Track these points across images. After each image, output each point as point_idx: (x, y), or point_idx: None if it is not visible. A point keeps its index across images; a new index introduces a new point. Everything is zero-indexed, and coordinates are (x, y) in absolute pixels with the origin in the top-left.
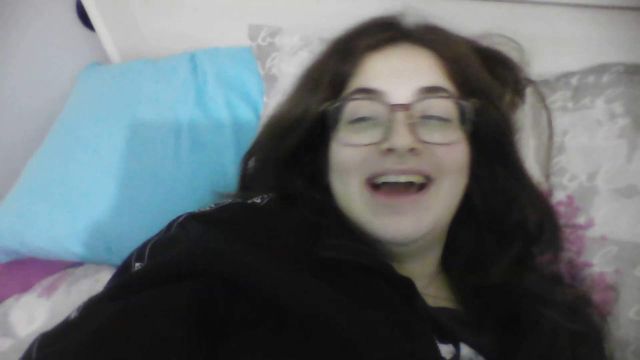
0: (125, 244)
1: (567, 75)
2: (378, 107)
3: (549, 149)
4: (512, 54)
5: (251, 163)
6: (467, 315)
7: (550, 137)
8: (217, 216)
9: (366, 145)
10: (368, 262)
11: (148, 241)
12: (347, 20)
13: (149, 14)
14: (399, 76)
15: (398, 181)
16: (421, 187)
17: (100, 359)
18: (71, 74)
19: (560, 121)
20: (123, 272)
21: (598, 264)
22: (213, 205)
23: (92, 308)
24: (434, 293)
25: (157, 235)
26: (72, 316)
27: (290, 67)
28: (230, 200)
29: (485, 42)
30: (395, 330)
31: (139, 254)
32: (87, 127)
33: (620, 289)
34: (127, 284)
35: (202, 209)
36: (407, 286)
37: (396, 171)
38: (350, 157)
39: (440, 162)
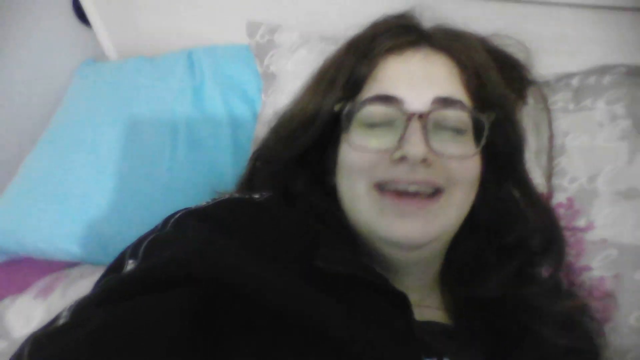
0: (120, 243)
1: (568, 76)
2: (393, 113)
3: (550, 150)
4: (517, 55)
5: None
6: (456, 329)
7: (551, 138)
8: (214, 212)
9: (378, 151)
10: (364, 275)
11: (143, 238)
12: (346, 17)
13: (146, 11)
14: (417, 84)
15: (407, 190)
16: (431, 195)
17: None
18: (67, 70)
19: (561, 122)
20: (116, 268)
21: (597, 267)
22: (210, 201)
23: (83, 312)
24: (427, 305)
25: (152, 231)
26: (63, 316)
27: (289, 65)
28: (227, 196)
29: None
30: (386, 343)
31: (132, 251)
32: (84, 125)
33: (621, 294)
34: (120, 287)
35: (199, 205)
36: (401, 300)
37: (406, 181)
38: (359, 160)
39: (452, 175)
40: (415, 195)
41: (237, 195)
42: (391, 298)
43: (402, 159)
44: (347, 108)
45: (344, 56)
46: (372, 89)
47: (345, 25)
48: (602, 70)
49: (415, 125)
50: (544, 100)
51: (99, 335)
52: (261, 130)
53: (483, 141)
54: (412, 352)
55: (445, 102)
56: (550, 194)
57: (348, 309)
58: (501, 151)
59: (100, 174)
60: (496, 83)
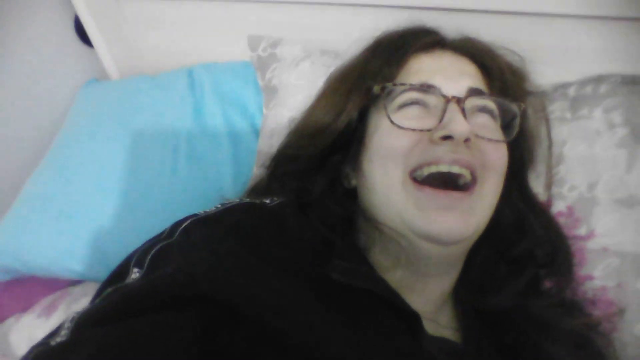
0: None
1: (564, 85)
2: (431, 98)
3: (549, 160)
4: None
5: (262, 170)
6: (465, 347)
7: (550, 147)
8: (223, 219)
9: (419, 130)
10: (378, 290)
11: (150, 246)
12: (348, 32)
13: (147, 30)
14: (451, 75)
15: (450, 171)
16: (464, 187)
17: None
18: (70, 90)
19: (559, 131)
20: (120, 275)
21: (599, 277)
22: (219, 205)
23: (82, 332)
24: (440, 320)
25: (158, 237)
26: (63, 334)
27: (291, 78)
28: (237, 200)
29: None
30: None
31: (138, 259)
32: (86, 143)
33: (624, 305)
34: (121, 303)
35: (208, 211)
36: (413, 320)
37: (449, 160)
38: (398, 141)
39: (487, 160)
40: (451, 188)
41: (247, 200)
42: (404, 316)
43: (444, 138)
44: (387, 88)
45: (369, 56)
46: (407, 81)
47: (346, 39)
48: (598, 79)
49: (455, 107)
50: (542, 109)
51: (103, 357)
52: (263, 144)
53: (517, 128)
54: None
55: (477, 92)
56: (549, 203)
57: (358, 326)
58: (515, 159)
59: (102, 191)
60: (516, 87)
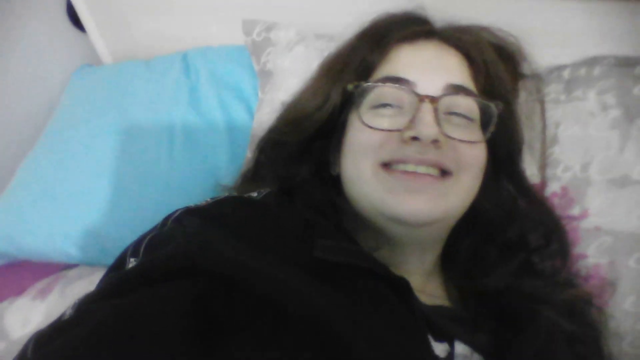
0: (118, 245)
1: (559, 68)
2: (405, 96)
3: (543, 141)
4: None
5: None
6: (462, 313)
7: (544, 129)
8: (213, 211)
9: (388, 130)
10: (364, 264)
11: (143, 237)
12: (343, 15)
13: (140, 15)
14: (429, 70)
15: (416, 171)
16: (439, 176)
17: (97, 358)
18: (62, 75)
19: (553, 113)
20: (117, 267)
21: (593, 255)
22: (209, 200)
23: (87, 306)
24: (430, 291)
25: (152, 230)
26: (67, 314)
27: (286, 62)
28: (226, 194)
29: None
30: (389, 329)
31: (134, 249)
32: (80, 128)
33: (616, 281)
34: (122, 282)
35: (198, 204)
36: (402, 286)
37: (416, 160)
38: (368, 139)
39: (461, 159)
40: (424, 174)
41: (235, 194)
42: (392, 284)
43: (413, 139)
44: (357, 88)
45: (353, 46)
46: (383, 72)
47: (340, 23)
48: (592, 61)
49: (427, 107)
50: (537, 91)
51: (104, 328)
52: (258, 128)
53: (492, 128)
54: (417, 336)
55: (456, 88)
56: (544, 184)
57: (349, 298)
58: (502, 146)
59: (97, 176)
60: (503, 79)
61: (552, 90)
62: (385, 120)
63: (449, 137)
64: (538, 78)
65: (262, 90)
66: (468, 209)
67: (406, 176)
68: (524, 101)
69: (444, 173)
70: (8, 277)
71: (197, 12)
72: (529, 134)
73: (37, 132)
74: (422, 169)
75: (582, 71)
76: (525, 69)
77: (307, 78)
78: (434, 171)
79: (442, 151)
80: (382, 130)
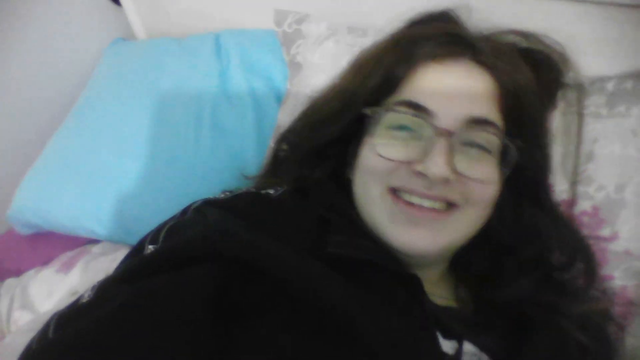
0: (142, 225)
1: (603, 79)
2: (423, 124)
3: (577, 157)
4: (553, 55)
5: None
6: (472, 315)
7: (579, 144)
8: (231, 204)
9: (400, 161)
10: (376, 260)
11: (163, 224)
12: (376, 8)
13: None
14: (452, 99)
15: (422, 205)
16: (444, 209)
17: (116, 340)
18: (97, 48)
19: (592, 128)
20: (136, 253)
21: (620, 277)
22: (228, 193)
23: (107, 290)
24: (440, 293)
25: (172, 219)
26: (87, 296)
27: (315, 57)
28: (244, 190)
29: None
30: (400, 322)
31: (153, 237)
32: (111, 104)
33: None
34: (143, 265)
35: (216, 197)
36: (414, 283)
37: (422, 194)
38: (378, 165)
39: (470, 194)
40: (428, 209)
41: (253, 190)
42: (404, 281)
43: (422, 174)
44: (375, 112)
45: (382, 53)
46: (405, 94)
47: (377, 17)
48: None
49: (443, 143)
50: (577, 104)
51: (125, 311)
52: (283, 119)
53: (508, 171)
54: (426, 331)
55: (477, 122)
56: (574, 201)
57: (361, 289)
58: (526, 178)
59: (124, 154)
60: (533, 107)
61: (593, 103)
62: (398, 145)
63: (461, 174)
64: (580, 88)
65: (291, 82)
66: (481, 231)
67: (409, 208)
68: (562, 113)
69: (451, 205)
70: (34, 247)
71: None
72: (565, 148)
73: (69, 105)
74: (427, 203)
75: (629, 84)
76: (568, 78)
77: (334, 77)
78: (439, 205)
79: (450, 187)
80: (394, 159)
